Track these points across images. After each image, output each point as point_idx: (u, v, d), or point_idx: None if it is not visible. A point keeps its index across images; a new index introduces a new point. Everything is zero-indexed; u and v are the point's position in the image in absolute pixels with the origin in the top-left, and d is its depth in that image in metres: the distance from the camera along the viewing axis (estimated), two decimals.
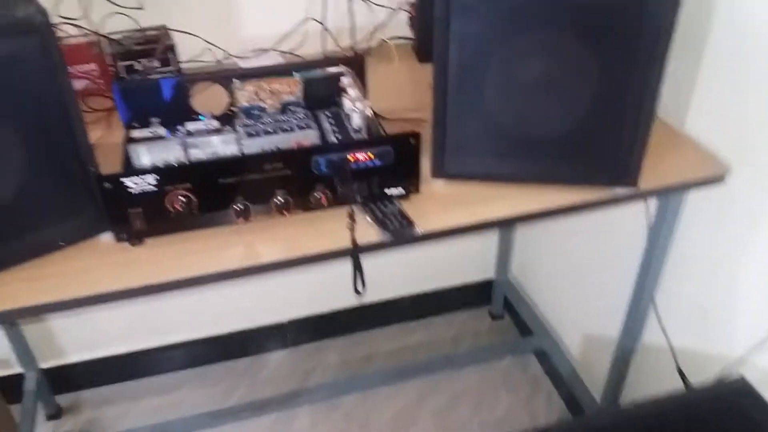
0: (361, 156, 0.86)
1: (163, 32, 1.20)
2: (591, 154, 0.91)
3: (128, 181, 0.79)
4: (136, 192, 0.80)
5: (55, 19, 1.12)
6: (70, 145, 0.77)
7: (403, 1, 1.34)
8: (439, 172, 0.94)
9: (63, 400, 1.70)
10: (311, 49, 1.32)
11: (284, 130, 0.95)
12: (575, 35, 0.82)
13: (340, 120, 1.01)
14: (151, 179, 0.79)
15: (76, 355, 1.69)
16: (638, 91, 0.85)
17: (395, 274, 1.79)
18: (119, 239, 0.83)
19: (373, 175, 0.88)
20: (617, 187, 0.94)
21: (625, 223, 1.27)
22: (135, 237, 0.84)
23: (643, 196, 0.99)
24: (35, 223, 0.80)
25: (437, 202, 0.92)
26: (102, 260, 0.82)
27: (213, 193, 0.83)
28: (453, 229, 0.89)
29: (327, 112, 1.03)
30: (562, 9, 0.81)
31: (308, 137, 0.95)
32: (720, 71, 1.00)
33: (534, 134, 0.90)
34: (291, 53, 1.31)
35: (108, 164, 0.87)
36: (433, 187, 0.94)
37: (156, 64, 1.16)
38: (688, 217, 1.12)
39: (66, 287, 0.78)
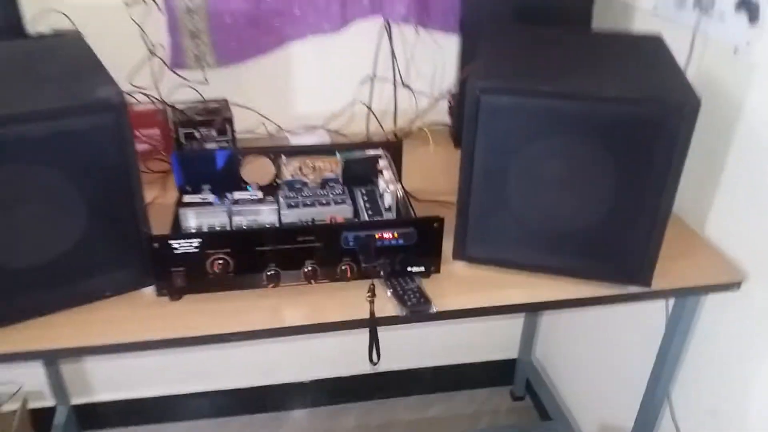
0: (386, 235, 0.93)
1: (224, 105, 1.32)
2: (606, 252, 0.96)
3: (175, 243, 0.87)
4: (180, 253, 0.88)
5: (127, 87, 1.26)
6: (127, 207, 0.87)
7: (444, 90, 1.44)
8: (460, 254, 1.00)
9: None
10: (357, 129, 1.43)
11: (321, 204, 1.03)
12: (595, 142, 0.88)
13: (373, 198, 1.09)
14: (195, 242, 0.88)
15: (106, 395, 1.77)
16: (653, 197, 0.90)
17: (418, 345, 1.83)
18: (160, 294, 0.91)
19: (397, 253, 0.94)
20: (630, 285, 0.97)
21: (647, 317, 1.29)
22: (175, 293, 0.92)
23: (656, 296, 1.02)
24: (87, 273, 0.88)
25: (456, 283, 0.98)
26: (142, 312, 0.90)
27: (249, 259, 0.91)
28: (468, 310, 0.94)
29: (363, 190, 1.11)
30: (583, 118, 0.87)
31: (343, 212, 1.03)
32: (740, 180, 1.05)
33: (552, 229, 0.96)
34: (337, 132, 1.42)
35: (159, 223, 0.97)
36: (453, 268, 1.00)
37: (213, 133, 1.28)
38: (708, 318, 1.13)
39: (108, 334, 0.86)
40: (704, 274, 1.02)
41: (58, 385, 1.67)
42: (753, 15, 0.98)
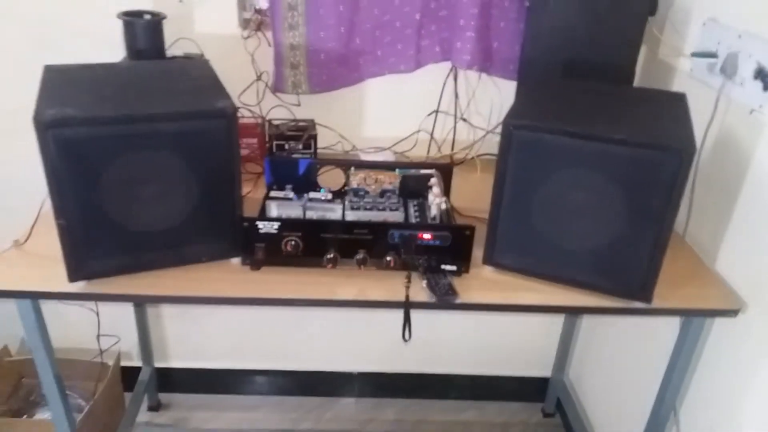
0: (426, 236, 1.14)
1: (311, 124, 1.58)
2: (614, 269, 1.12)
3: (260, 224, 1.12)
4: (263, 232, 1.13)
5: (236, 103, 1.54)
6: (228, 193, 1.12)
7: (498, 126, 1.64)
8: (488, 260, 1.19)
9: (164, 397, 2.06)
10: (419, 153, 1.66)
11: (378, 209, 1.26)
12: (607, 176, 1.06)
13: (422, 209, 1.31)
14: (275, 225, 1.12)
15: (183, 362, 2.05)
16: (655, 225, 1.06)
17: (459, 352, 2.01)
18: (244, 263, 1.16)
19: (434, 252, 1.15)
20: (634, 301, 1.13)
21: (663, 340, 1.42)
22: (255, 264, 1.16)
23: (656, 313, 1.17)
24: (191, 241, 1.14)
25: (482, 283, 1.17)
26: (229, 276, 1.15)
27: (314, 243, 1.14)
28: (488, 305, 1.13)
29: (414, 202, 1.33)
30: (597, 156, 1.05)
31: (395, 217, 1.25)
32: (747, 221, 1.19)
33: (568, 246, 1.13)
34: (401, 154, 1.65)
35: (249, 211, 1.21)
36: (482, 271, 1.19)
37: (300, 146, 1.54)
38: (716, 341, 1.26)
39: (201, 288, 1.11)
40: (706, 299, 1.16)
41: (145, 348, 1.96)
42: (766, 83, 1.13)
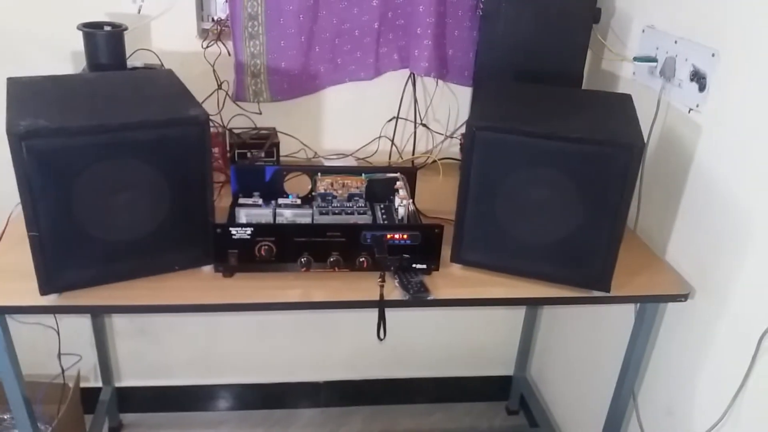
0: (397, 236, 1.17)
1: (273, 132, 1.60)
2: (575, 261, 1.18)
3: (233, 230, 1.13)
4: (236, 238, 1.14)
5: None
6: (200, 200, 1.13)
7: (457, 131, 1.70)
8: (456, 258, 1.24)
9: (126, 417, 2.00)
10: (380, 159, 1.70)
11: (347, 213, 1.29)
12: (565, 172, 1.12)
13: (390, 212, 1.34)
14: (248, 230, 1.14)
15: (143, 380, 2.00)
16: (610, 217, 1.13)
17: (424, 356, 2.04)
18: (217, 270, 1.17)
19: (405, 252, 1.19)
20: (593, 290, 1.20)
21: (619, 330, 1.49)
22: (228, 271, 1.17)
23: (614, 300, 1.23)
24: (164, 249, 1.13)
25: (451, 280, 1.21)
26: (202, 284, 1.15)
27: (288, 247, 1.16)
28: (458, 300, 1.17)
29: (381, 205, 1.36)
30: (555, 153, 1.11)
31: (363, 220, 1.28)
32: (692, 212, 1.27)
33: (532, 241, 1.19)
34: (364, 159, 1.68)
35: (216, 220, 1.22)
36: (450, 269, 1.23)
37: (262, 155, 1.55)
38: (666, 327, 1.34)
39: (175, 297, 1.11)
40: (658, 286, 1.24)
41: (105, 368, 1.90)
42: (702, 85, 1.23)
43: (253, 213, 1.26)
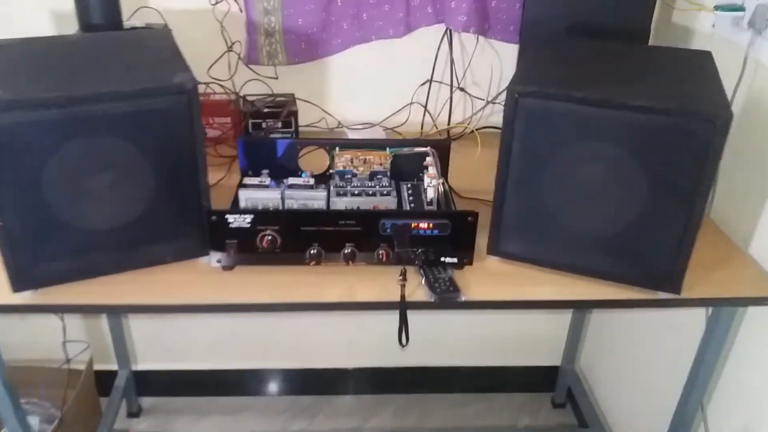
0: (422, 225, 0.99)
1: (291, 99, 1.43)
2: (637, 256, 0.98)
3: (230, 218, 0.98)
4: (235, 227, 0.98)
5: (206, 78, 1.39)
6: (191, 182, 0.97)
7: (498, 96, 1.49)
8: (494, 249, 1.05)
9: (145, 401, 1.92)
10: (413, 128, 1.51)
11: (368, 194, 1.11)
12: (625, 148, 0.92)
13: (417, 192, 1.16)
14: (248, 218, 0.98)
15: (163, 363, 1.91)
16: (685, 205, 0.92)
17: (462, 344, 1.88)
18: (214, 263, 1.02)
19: (432, 244, 1.01)
20: (660, 292, 0.99)
21: (688, 330, 1.29)
22: (227, 263, 1.02)
23: (685, 304, 1.03)
24: (152, 239, 0.99)
25: (488, 276, 1.03)
26: (197, 278, 1.00)
27: (294, 237, 0.99)
28: (496, 302, 0.99)
29: (408, 184, 1.18)
30: (613, 125, 0.91)
31: (387, 203, 1.10)
32: None
33: (585, 230, 0.99)
34: (393, 130, 1.50)
35: (221, 201, 1.07)
36: (487, 262, 1.05)
37: (279, 125, 1.38)
38: (747, 333, 1.13)
39: (166, 294, 0.97)
40: (739, 287, 1.03)
41: (122, 350, 1.82)
42: None
43: (256, 196, 1.10)
